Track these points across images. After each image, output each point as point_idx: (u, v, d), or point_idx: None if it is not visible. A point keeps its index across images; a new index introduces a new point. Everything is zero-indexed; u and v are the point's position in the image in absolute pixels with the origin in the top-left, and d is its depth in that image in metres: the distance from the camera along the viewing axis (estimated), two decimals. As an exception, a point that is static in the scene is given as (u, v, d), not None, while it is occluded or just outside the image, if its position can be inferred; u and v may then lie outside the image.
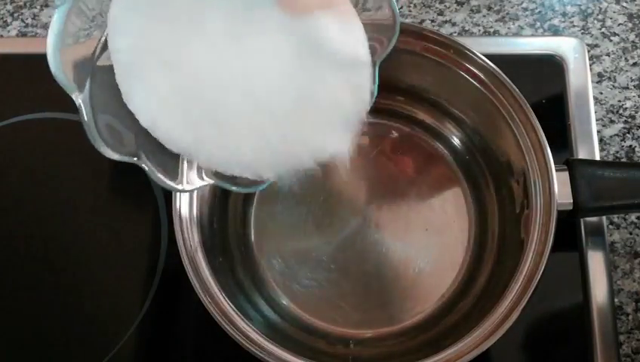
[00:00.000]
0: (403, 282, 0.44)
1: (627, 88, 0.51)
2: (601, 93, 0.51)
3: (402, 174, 0.47)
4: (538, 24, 0.53)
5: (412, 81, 0.45)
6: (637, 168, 0.43)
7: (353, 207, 0.46)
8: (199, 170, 0.33)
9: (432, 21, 0.54)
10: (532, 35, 0.53)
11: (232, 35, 0.30)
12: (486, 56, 0.41)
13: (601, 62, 0.52)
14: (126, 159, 0.30)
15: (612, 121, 0.50)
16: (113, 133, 0.30)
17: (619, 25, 0.53)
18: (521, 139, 0.40)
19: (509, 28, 0.53)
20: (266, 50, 0.31)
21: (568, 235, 0.44)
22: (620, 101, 0.50)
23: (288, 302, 0.44)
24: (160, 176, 0.31)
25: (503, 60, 0.42)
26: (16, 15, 0.56)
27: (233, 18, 0.30)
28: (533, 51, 0.51)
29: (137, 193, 0.48)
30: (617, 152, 0.49)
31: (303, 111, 0.31)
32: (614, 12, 0.54)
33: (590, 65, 0.51)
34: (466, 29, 0.53)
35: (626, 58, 0.52)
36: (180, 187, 0.32)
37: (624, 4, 0.54)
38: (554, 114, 0.48)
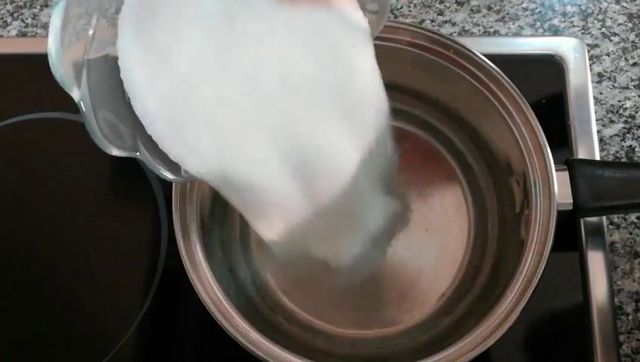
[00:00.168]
0: (403, 282, 0.44)
1: (627, 88, 0.51)
2: (601, 93, 0.51)
3: (402, 174, 0.47)
4: (538, 24, 0.53)
5: (412, 81, 0.45)
6: (637, 168, 0.43)
7: (349, 218, 0.45)
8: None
9: (432, 21, 0.54)
10: (532, 35, 0.53)
11: (232, 32, 0.31)
12: (486, 56, 0.41)
13: (601, 62, 0.52)
14: (127, 154, 0.30)
15: (612, 121, 0.50)
16: (112, 128, 0.30)
17: (619, 25, 0.53)
18: (521, 139, 0.40)
19: (509, 28, 0.53)
20: (266, 40, 0.31)
21: (568, 235, 0.44)
22: (619, 101, 0.50)
23: (288, 301, 0.44)
24: (161, 168, 0.31)
25: (503, 60, 0.42)
26: (16, 15, 0.56)
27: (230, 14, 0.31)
28: (533, 51, 0.51)
29: (137, 193, 0.48)
30: (617, 152, 0.49)
31: (309, 101, 0.32)
32: (614, 12, 0.54)
33: (590, 65, 0.51)
34: (466, 29, 0.53)
35: (626, 58, 0.52)
36: (179, 178, 0.32)
37: (624, 4, 0.54)
38: (554, 114, 0.48)
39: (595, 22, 0.53)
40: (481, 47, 0.42)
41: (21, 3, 0.57)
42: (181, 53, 0.30)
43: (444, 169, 0.47)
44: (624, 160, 0.49)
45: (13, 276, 0.47)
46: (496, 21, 0.54)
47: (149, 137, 0.31)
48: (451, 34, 0.53)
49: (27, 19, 0.56)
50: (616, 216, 0.47)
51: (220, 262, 0.41)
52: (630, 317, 0.44)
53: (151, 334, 0.44)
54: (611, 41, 0.53)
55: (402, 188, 0.46)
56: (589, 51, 0.51)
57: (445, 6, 0.54)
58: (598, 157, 0.47)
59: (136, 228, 0.47)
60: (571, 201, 0.39)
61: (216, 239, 0.42)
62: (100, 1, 0.30)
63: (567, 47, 0.50)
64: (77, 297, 0.46)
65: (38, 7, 0.56)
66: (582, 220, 0.45)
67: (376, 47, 0.42)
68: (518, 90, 0.40)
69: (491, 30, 0.53)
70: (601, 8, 0.54)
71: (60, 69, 0.27)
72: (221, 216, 0.43)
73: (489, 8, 0.54)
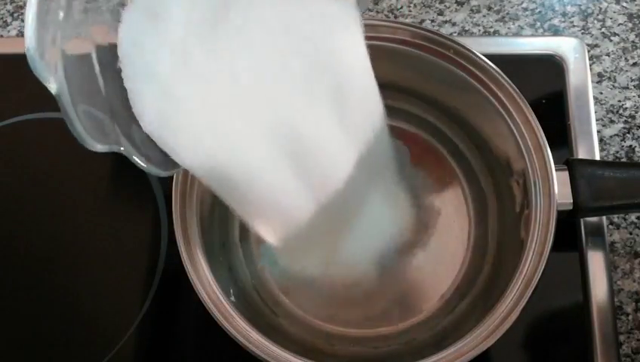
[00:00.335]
0: (403, 282, 0.44)
1: (627, 88, 0.51)
2: (601, 93, 0.51)
3: (399, 175, 0.47)
4: (538, 24, 0.53)
5: (411, 81, 0.45)
6: (637, 168, 0.43)
7: (351, 213, 0.46)
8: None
9: (432, 21, 0.54)
10: (532, 35, 0.53)
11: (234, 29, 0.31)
12: (486, 56, 0.41)
13: (601, 62, 0.52)
14: (109, 149, 0.29)
15: (612, 121, 0.50)
16: (93, 122, 0.29)
17: (619, 25, 0.53)
18: (521, 139, 0.40)
19: (509, 28, 0.53)
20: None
21: (568, 235, 0.44)
22: (620, 101, 0.50)
23: (288, 301, 0.44)
24: (147, 164, 0.31)
25: (503, 60, 0.42)
26: (16, 15, 0.56)
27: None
28: (533, 51, 0.51)
29: (137, 193, 0.48)
30: (617, 152, 0.49)
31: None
32: (614, 12, 0.54)
33: (590, 65, 0.51)
34: (466, 29, 0.53)
35: (626, 58, 0.52)
36: (165, 173, 0.32)
37: (624, 4, 0.54)
38: (554, 114, 0.48)
39: (595, 22, 0.53)
40: (481, 47, 0.42)
41: (21, 3, 0.57)
42: (179, 44, 0.30)
43: (444, 169, 0.47)
44: (624, 160, 0.49)
45: (13, 276, 0.47)
46: (496, 21, 0.54)
47: (133, 130, 0.30)
48: (451, 34, 0.53)
49: (27, 19, 0.56)
50: (616, 216, 0.47)
51: (220, 262, 0.41)
52: (630, 317, 0.44)
53: (151, 334, 0.44)
54: (611, 41, 0.53)
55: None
56: (589, 51, 0.51)
57: (445, 6, 0.54)
58: (598, 157, 0.47)
59: (136, 228, 0.47)
60: (571, 201, 0.39)
61: (216, 239, 0.42)
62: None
63: (567, 47, 0.50)
64: (77, 297, 0.46)
65: (38, 7, 0.56)
66: (582, 220, 0.45)
67: (377, 47, 0.42)
68: (518, 90, 0.40)
69: (491, 30, 0.53)
70: (601, 8, 0.54)
71: (37, 59, 0.27)
72: (221, 216, 0.43)
73: (489, 8, 0.54)
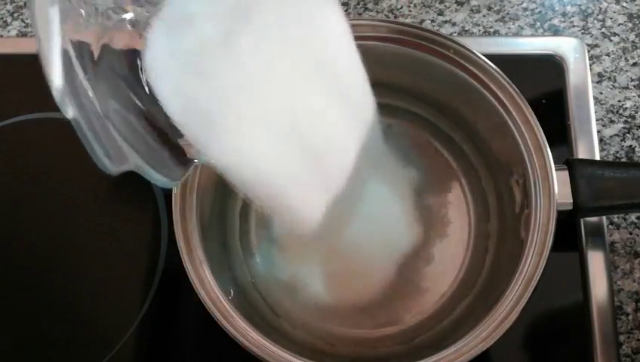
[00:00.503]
0: (403, 282, 0.44)
1: (627, 88, 0.51)
2: (601, 93, 0.51)
3: (401, 173, 0.47)
4: (538, 24, 0.53)
5: (411, 81, 0.45)
6: (637, 168, 0.43)
7: (353, 208, 0.46)
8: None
9: (432, 21, 0.54)
10: (532, 35, 0.53)
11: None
12: (486, 56, 0.41)
13: (601, 62, 0.52)
14: (125, 169, 0.30)
15: (612, 121, 0.50)
16: (112, 145, 0.30)
17: (619, 25, 0.53)
18: (521, 139, 0.40)
19: (509, 28, 0.53)
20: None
21: (568, 235, 0.44)
22: (620, 101, 0.50)
23: (288, 301, 0.44)
24: (163, 179, 0.31)
25: (503, 60, 0.42)
26: (16, 15, 0.56)
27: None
28: (533, 51, 0.51)
29: (137, 193, 0.48)
30: (617, 152, 0.49)
31: None
32: (614, 12, 0.54)
33: (590, 65, 0.51)
34: (466, 29, 0.53)
35: (626, 58, 0.52)
36: (174, 183, 0.33)
37: (624, 4, 0.54)
38: (554, 114, 0.48)
39: (595, 22, 0.53)
40: (481, 47, 0.42)
41: (21, 3, 0.57)
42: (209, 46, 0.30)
43: (444, 169, 0.47)
44: (624, 160, 0.49)
45: (13, 276, 0.47)
46: (496, 21, 0.54)
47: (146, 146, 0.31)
48: (451, 34, 0.53)
49: (27, 19, 0.56)
50: (616, 216, 0.47)
51: (219, 262, 0.41)
52: (630, 317, 0.44)
53: (151, 334, 0.44)
54: (611, 41, 0.53)
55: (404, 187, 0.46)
56: (589, 51, 0.51)
57: (445, 6, 0.54)
58: (598, 157, 0.47)
59: (136, 228, 0.47)
60: (571, 201, 0.39)
61: (216, 239, 0.42)
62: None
63: (567, 47, 0.50)
64: (77, 297, 0.46)
65: (38, 7, 0.56)
66: (582, 220, 0.45)
67: (377, 48, 0.42)
68: (518, 90, 0.40)
69: (491, 30, 0.53)
70: (601, 8, 0.54)
71: (64, 100, 0.27)
72: (221, 216, 0.43)
73: (489, 8, 0.54)
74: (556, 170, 0.39)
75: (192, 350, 0.44)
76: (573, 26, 0.53)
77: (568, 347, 0.43)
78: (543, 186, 0.38)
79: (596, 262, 0.44)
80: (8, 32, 0.56)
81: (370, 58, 0.44)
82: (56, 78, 0.27)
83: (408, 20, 0.54)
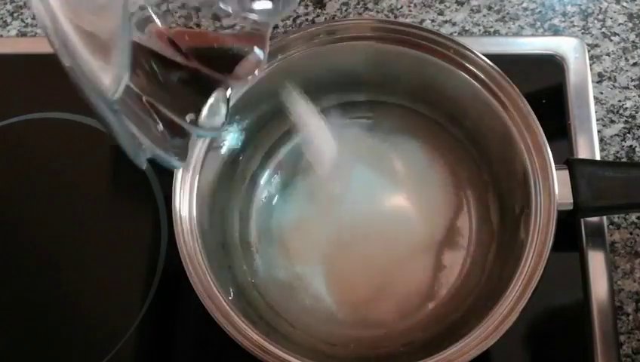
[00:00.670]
0: (403, 282, 0.44)
1: (627, 88, 0.51)
2: (602, 93, 0.51)
3: (403, 173, 0.47)
4: (538, 24, 0.53)
5: (411, 81, 0.45)
6: (637, 168, 0.43)
7: (354, 208, 0.46)
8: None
9: (432, 21, 0.54)
10: (532, 35, 0.53)
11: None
12: (486, 56, 0.41)
13: (601, 62, 0.52)
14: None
15: (612, 121, 0.50)
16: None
17: (619, 25, 0.53)
18: (521, 139, 0.40)
19: (509, 28, 0.53)
20: None
21: (568, 235, 0.44)
22: (620, 101, 0.50)
23: (288, 301, 0.44)
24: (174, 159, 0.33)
25: (503, 60, 0.42)
26: (16, 15, 0.56)
27: None
28: (533, 51, 0.51)
29: (137, 193, 0.48)
30: (617, 152, 0.49)
31: None
32: (614, 12, 0.54)
33: (590, 65, 0.51)
34: (466, 29, 0.53)
35: (626, 58, 0.52)
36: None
37: (624, 4, 0.54)
38: (554, 114, 0.48)
39: (595, 22, 0.53)
40: (481, 47, 0.42)
41: (21, 3, 0.57)
42: None
43: (444, 168, 0.47)
44: (624, 160, 0.49)
45: (13, 276, 0.47)
46: (496, 21, 0.54)
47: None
48: (451, 34, 0.53)
49: (27, 19, 0.56)
50: (616, 216, 0.47)
51: (220, 262, 0.41)
52: (630, 317, 0.44)
53: (151, 334, 0.44)
54: (611, 41, 0.53)
55: (402, 188, 0.46)
56: (589, 51, 0.51)
57: (445, 6, 0.54)
58: (598, 157, 0.47)
59: (136, 228, 0.47)
60: (571, 201, 0.39)
61: (216, 239, 0.42)
62: None
63: (567, 47, 0.50)
64: (77, 297, 0.46)
65: (38, 7, 0.56)
66: (582, 220, 0.45)
67: (377, 48, 0.43)
68: (518, 90, 0.40)
69: (491, 30, 0.53)
70: (601, 8, 0.54)
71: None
72: (221, 217, 0.43)
73: (489, 8, 0.54)
74: (556, 170, 0.39)
75: (192, 350, 0.44)
76: (574, 25, 0.53)
77: (568, 347, 0.43)
78: (543, 186, 0.38)
79: (596, 262, 0.44)
80: (8, 32, 0.56)
81: (370, 58, 0.44)
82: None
83: (408, 20, 0.54)
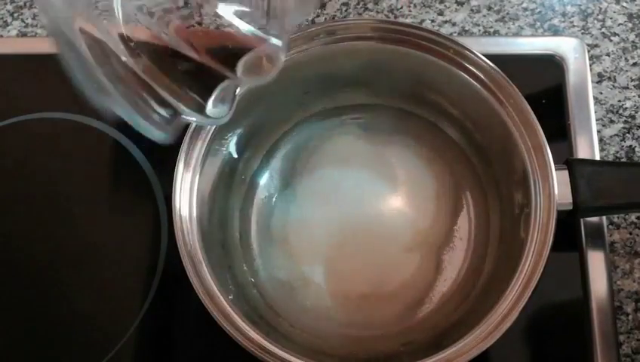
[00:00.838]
0: (403, 282, 0.44)
1: (627, 88, 0.51)
2: (601, 93, 0.51)
3: (402, 174, 0.47)
4: (538, 24, 0.53)
5: (411, 81, 0.45)
6: (637, 168, 0.43)
7: (354, 208, 0.46)
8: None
9: (432, 21, 0.54)
10: (532, 35, 0.53)
11: None
12: (486, 56, 0.41)
13: (601, 62, 0.52)
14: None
15: (612, 121, 0.50)
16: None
17: (619, 25, 0.53)
18: (521, 139, 0.40)
19: (509, 28, 0.53)
20: None
21: (568, 235, 0.44)
22: (620, 101, 0.50)
23: (288, 301, 0.44)
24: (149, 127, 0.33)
25: (503, 60, 0.42)
26: (16, 15, 0.56)
27: None
28: (533, 51, 0.51)
29: (137, 193, 0.48)
30: (617, 152, 0.49)
31: None
32: (614, 12, 0.54)
33: (590, 66, 0.51)
34: (466, 29, 0.53)
35: (626, 58, 0.52)
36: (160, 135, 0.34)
37: (624, 4, 0.54)
38: (554, 114, 0.48)
39: (595, 22, 0.53)
40: (481, 47, 0.42)
41: (21, 3, 0.57)
42: None
43: (444, 168, 0.47)
44: (624, 160, 0.49)
45: (13, 276, 0.47)
46: (496, 21, 0.54)
47: None
48: (451, 34, 0.53)
49: (27, 19, 0.56)
50: (616, 216, 0.47)
51: (220, 262, 0.41)
52: (630, 317, 0.44)
53: (151, 334, 0.44)
54: (611, 41, 0.53)
55: (402, 188, 0.46)
56: (589, 51, 0.51)
57: (445, 6, 0.54)
58: (598, 157, 0.47)
59: (137, 228, 0.47)
60: (571, 201, 0.39)
61: (216, 239, 0.42)
62: None
63: (567, 47, 0.50)
64: (77, 297, 0.46)
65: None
66: (582, 220, 0.45)
67: (377, 48, 0.43)
68: (518, 90, 0.40)
69: (491, 30, 0.53)
70: (601, 8, 0.54)
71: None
72: (221, 217, 0.43)
73: (489, 8, 0.54)
74: (556, 170, 0.39)
75: (192, 350, 0.44)
76: (573, 26, 0.53)
77: (568, 347, 0.43)
78: (543, 186, 0.38)
79: (596, 262, 0.44)
80: (8, 32, 0.56)
81: (370, 58, 0.44)
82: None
83: (408, 20, 0.54)
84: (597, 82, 0.51)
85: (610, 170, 0.41)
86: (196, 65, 0.33)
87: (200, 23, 0.32)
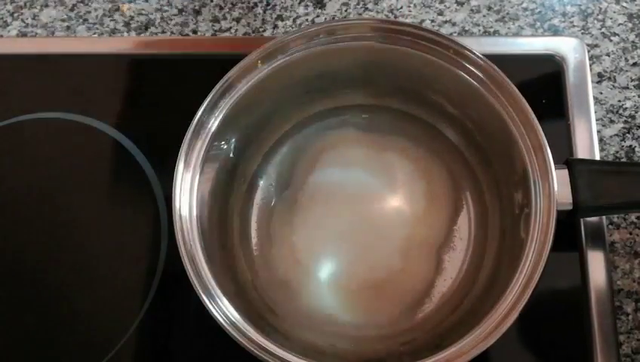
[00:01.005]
0: (403, 282, 0.44)
1: (627, 88, 0.51)
2: (601, 93, 0.51)
3: (401, 174, 0.47)
4: (538, 24, 0.53)
5: (411, 81, 0.45)
6: (637, 168, 0.43)
7: (353, 208, 0.46)
8: None
9: (432, 21, 0.54)
10: (532, 35, 0.53)
11: None
12: (486, 56, 0.41)
13: (601, 62, 0.52)
14: None
15: (612, 121, 0.50)
16: None
17: (619, 25, 0.53)
18: (521, 139, 0.40)
19: (509, 28, 0.53)
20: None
21: (568, 235, 0.44)
22: (619, 101, 0.50)
23: (288, 301, 0.44)
24: None
25: (503, 60, 0.42)
26: (16, 15, 0.56)
27: None
28: (533, 51, 0.51)
29: (137, 193, 0.48)
30: (617, 152, 0.49)
31: None
32: (614, 12, 0.54)
33: (590, 66, 0.51)
34: (466, 29, 0.53)
35: (626, 58, 0.52)
36: None
37: (624, 4, 0.54)
38: (554, 114, 0.48)
39: (595, 22, 0.53)
40: (481, 47, 0.42)
41: (21, 3, 0.57)
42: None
43: (444, 168, 0.47)
44: (624, 160, 0.49)
45: (13, 276, 0.47)
46: (496, 21, 0.54)
47: None
48: (451, 34, 0.53)
49: (27, 19, 0.56)
50: (616, 216, 0.47)
51: (220, 262, 0.41)
52: (630, 317, 0.44)
53: (151, 334, 0.44)
54: (611, 41, 0.53)
55: (402, 188, 0.46)
56: (589, 51, 0.51)
57: (445, 6, 0.54)
58: (598, 157, 0.47)
59: (136, 228, 0.47)
60: (571, 201, 0.39)
61: (216, 239, 0.42)
62: None
63: (567, 47, 0.50)
64: (77, 297, 0.46)
65: (38, 7, 0.56)
66: (582, 220, 0.45)
67: (377, 48, 0.42)
68: (517, 90, 0.40)
69: (491, 30, 0.53)
70: (601, 8, 0.54)
71: None
72: (221, 217, 0.43)
73: (489, 8, 0.54)
74: (556, 169, 0.39)
75: (192, 350, 0.44)
76: (573, 26, 0.53)
77: (568, 347, 0.43)
78: (543, 186, 0.38)
79: (596, 262, 0.44)
80: (8, 32, 0.56)
81: (369, 58, 0.44)
82: None
83: (408, 20, 0.54)
84: (597, 82, 0.51)
85: (610, 170, 0.41)
86: None
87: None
